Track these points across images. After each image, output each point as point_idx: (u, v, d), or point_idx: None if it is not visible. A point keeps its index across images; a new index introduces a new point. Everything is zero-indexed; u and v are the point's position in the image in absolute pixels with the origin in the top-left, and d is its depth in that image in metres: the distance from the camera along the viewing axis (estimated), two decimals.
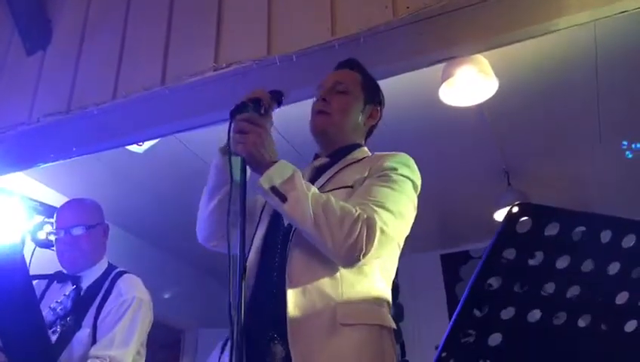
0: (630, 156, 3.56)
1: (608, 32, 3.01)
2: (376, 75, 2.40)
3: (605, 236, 0.94)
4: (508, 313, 0.97)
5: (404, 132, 3.90)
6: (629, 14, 2.07)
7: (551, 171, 4.43)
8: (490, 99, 3.27)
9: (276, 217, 1.63)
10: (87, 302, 2.18)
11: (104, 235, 2.39)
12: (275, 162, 1.47)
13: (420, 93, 3.41)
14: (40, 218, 3.12)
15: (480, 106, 3.46)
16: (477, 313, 0.96)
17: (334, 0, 2.32)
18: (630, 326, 1.01)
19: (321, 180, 1.64)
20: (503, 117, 3.74)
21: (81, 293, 2.22)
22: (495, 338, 0.98)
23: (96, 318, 2.12)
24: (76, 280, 2.26)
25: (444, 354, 0.98)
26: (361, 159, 1.69)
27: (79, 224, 2.27)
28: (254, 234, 1.68)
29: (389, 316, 1.57)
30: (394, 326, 1.57)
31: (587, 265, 0.96)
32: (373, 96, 1.85)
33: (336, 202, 1.46)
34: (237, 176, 1.48)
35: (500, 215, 4.52)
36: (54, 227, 2.39)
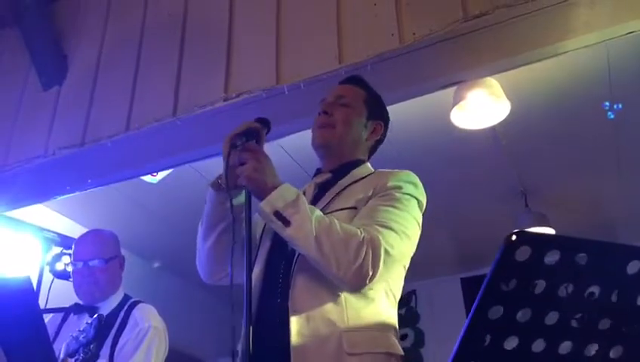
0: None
1: (621, 52, 3.00)
2: (385, 101, 2.41)
3: (609, 263, 0.93)
4: (511, 343, 0.96)
5: (418, 157, 3.89)
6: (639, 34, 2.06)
7: (569, 192, 4.37)
8: (504, 121, 3.26)
9: (278, 242, 1.59)
10: (104, 333, 2.19)
11: (120, 267, 2.41)
12: (277, 186, 1.45)
13: (432, 117, 3.41)
14: (58, 249, 3.15)
15: (494, 129, 3.45)
16: (479, 343, 0.95)
17: (341, 29, 2.35)
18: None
19: (325, 199, 1.62)
20: (517, 138, 3.71)
21: (102, 320, 2.24)
22: None
23: (112, 349, 2.14)
24: (93, 312, 2.28)
25: None
26: (365, 177, 1.66)
27: (97, 257, 2.31)
28: (255, 259, 1.64)
29: (397, 342, 1.53)
30: (402, 352, 1.53)
31: (590, 293, 0.94)
32: (377, 112, 1.82)
33: (340, 225, 1.43)
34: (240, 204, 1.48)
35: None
36: (72, 258, 2.41)
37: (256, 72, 2.46)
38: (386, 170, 1.68)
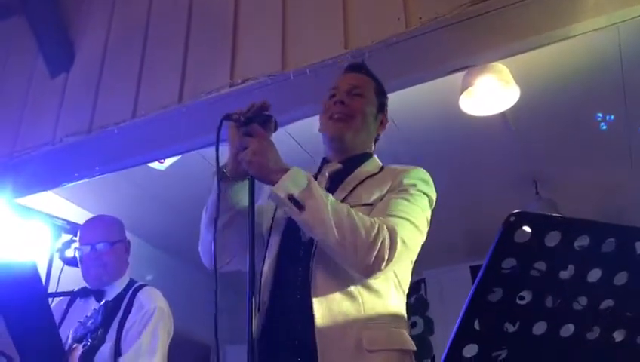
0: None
1: (633, 35, 2.94)
2: (391, 87, 2.39)
3: (610, 245, 0.91)
4: (512, 326, 0.95)
5: (427, 144, 3.87)
6: None
7: (580, 179, 4.32)
8: (513, 107, 3.23)
9: (292, 230, 1.57)
10: (110, 317, 2.21)
11: (126, 251, 2.44)
12: (288, 169, 1.43)
13: (440, 104, 3.38)
14: (67, 236, 3.17)
15: (503, 115, 3.42)
16: (479, 326, 0.94)
17: (347, 14, 2.33)
18: None
19: (339, 194, 1.60)
20: (527, 125, 3.68)
21: (109, 306, 2.26)
22: (500, 352, 0.95)
23: (119, 332, 2.17)
24: (99, 295, 2.30)
25: None
26: (377, 173, 1.67)
27: (103, 240, 2.33)
28: (266, 247, 1.64)
29: (409, 338, 1.54)
30: (414, 348, 1.54)
31: (593, 275, 0.93)
32: (384, 104, 1.80)
33: (356, 212, 1.43)
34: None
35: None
36: (79, 243, 2.43)
37: (261, 57, 2.45)
38: (397, 166, 1.68)
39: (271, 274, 1.59)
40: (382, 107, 1.78)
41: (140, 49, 2.82)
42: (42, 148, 2.87)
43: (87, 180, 2.90)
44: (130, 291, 2.30)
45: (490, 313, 0.92)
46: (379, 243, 1.39)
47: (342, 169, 1.67)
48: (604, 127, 3.40)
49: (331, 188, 1.64)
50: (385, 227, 1.42)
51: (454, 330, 0.92)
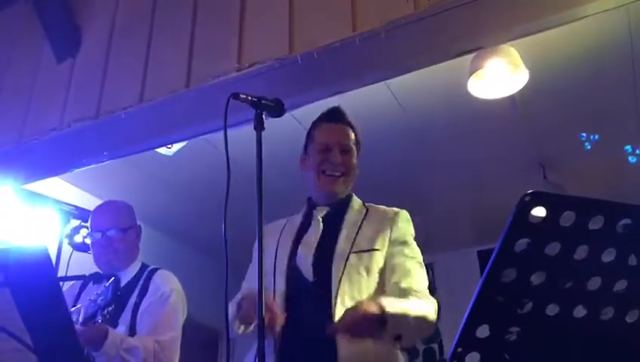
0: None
1: None
2: (400, 69, 2.38)
3: (626, 225, 0.90)
4: (526, 306, 0.94)
5: (435, 128, 3.85)
6: None
7: (588, 163, 4.29)
8: (522, 90, 3.20)
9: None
10: (124, 300, 2.22)
11: (137, 237, 2.44)
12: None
13: (448, 87, 3.35)
14: (76, 222, 3.18)
15: (512, 98, 3.39)
16: (492, 307, 0.93)
17: None
18: None
19: (345, 243, 1.82)
20: (536, 108, 3.65)
21: (120, 286, 2.27)
22: (513, 333, 0.95)
23: (134, 314, 2.18)
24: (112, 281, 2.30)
25: (459, 349, 0.96)
26: (365, 214, 1.92)
27: (114, 226, 2.33)
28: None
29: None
30: None
31: (607, 256, 0.92)
32: (359, 148, 2.00)
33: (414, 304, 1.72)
34: None
35: (536, 210, 4.41)
36: (89, 230, 2.44)
37: (269, 41, 2.43)
38: (380, 206, 1.96)
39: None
40: (358, 150, 2.00)
41: (146, 33, 2.80)
42: (50, 134, 2.86)
43: (94, 166, 2.90)
44: (145, 274, 2.31)
45: (504, 293, 0.92)
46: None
47: (330, 211, 1.91)
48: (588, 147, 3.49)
49: (327, 230, 1.87)
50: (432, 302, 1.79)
51: (467, 311, 0.92)
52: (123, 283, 2.28)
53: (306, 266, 1.79)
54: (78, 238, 3.09)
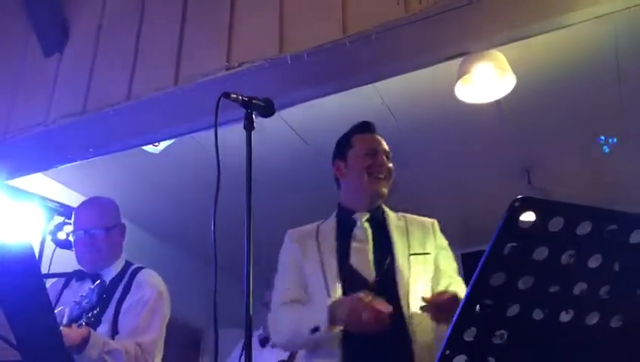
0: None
1: (629, 25, 2.94)
2: (390, 72, 2.39)
3: (612, 231, 0.92)
4: (513, 310, 0.95)
5: (422, 131, 3.87)
6: None
7: (573, 169, 4.34)
8: (508, 95, 3.23)
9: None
10: (107, 298, 2.20)
11: (121, 235, 2.41)
12: None
13: (436, 90, 3.38)
14: (60, 219, 3.15)
15: (498, 103, 3.42)
16: (480, 310, 0.94)
17: None
18: None
19: (402, 246, 1.93)
20: (522, 113, 3.68)
21: (106, 288, 2.25)
22: (499, 336, 0.96)
23: (116, 313, 2.16)
24: (95, 278, 2.28)
25: (447, 352, 0.96)
26: (406, 221, 2.04)
27: (98, 225, 2.30)
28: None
29: None
30: None
31: (594, 261, 0.93)
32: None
33: None
34: None
35: (526, 215, 4.44)
36: (73, 227, 2.41)
37: (258, 40, 2.43)
38: (412, 215, 2.08)
39: None
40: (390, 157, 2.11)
41: (135, 29, 2.78)
42: (35, 129, 2.83)
43: (80, 162, 2.88)
44: (129, 272, 2.28)
45: (492, 297, 0.93)
46: None
47: (371, 217, 1.99)
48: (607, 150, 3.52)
49: (378, 235, 1.96)
50: None
51: (456, 314, 0.93)
52: (106, 281, 2.26)
53: (364, 267, 1.87)
54: (61, 235, 3.06)
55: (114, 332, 2.12)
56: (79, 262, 2.34)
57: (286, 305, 1.91)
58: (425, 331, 1.79)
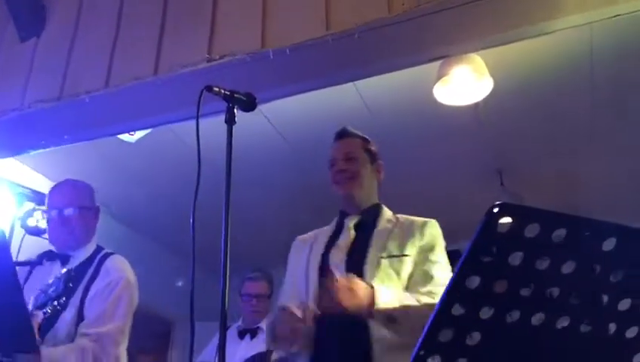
0: None
1: (604, 34, 3.01)
2: (372, 71, 2.41)
3: (586, 239, 0.94)
4: (487, 312, 0.97)
5: (398, 132, 3.90)
6: (625, 17, 2.08)
7: (545, 172, 4.43)
8: (485, 98, 3.27)
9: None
10: (75, 283, 2.18)
11: (95, 218, 2.39)
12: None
13: (415, 91, 3.40)
14: (30, 205, 3.10)
15: (475, 106, 3.46)
16: (456, 312, 0.96)
17: None
18: (610, 328, 1.01)
19: (376, 250, 1.92)
20: (497, 117, 3.73)
21: (72, 274, 2.23)
22: (474, 337, 0.98)
23: (83, 298, 2.14)
24: (65, 259, 2.26)
25: (421, 352, 0.98)
26: (395, 224, 2.01)
27: (72, 205, 2.27)
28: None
29: None
30: None
31: (567, 267, 0.96)
32: (374, 154, 2.12)
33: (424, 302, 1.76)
34: None
35: (503, 220, 4.51)
36: (47, 206, 2.38)
37: (241, 34, 2.42)
38: (411, 216, 2.05)
39: None
40: (373, 157, 2.11)
41: (115, 16, 2.74)
42: (9, 113, 2.78)
43: (53, 149, 2.83)
44: (98, 258, 2.26)
45: (468, 299, 0.95)
46: None
47: (361, 220, 2.01)
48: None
49: (359, 236, 1.98)
50: None
51: (432, 315, 0.95)
52: (76, 263, 2.24)
53: (338, 270, 1.88)
54: (31, 221, 3.02)
55: (79, 318, 2.10)
56: (51, 242, 2.31)
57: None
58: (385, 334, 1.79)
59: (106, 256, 2.29)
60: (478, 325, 0.97)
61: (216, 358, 1.41)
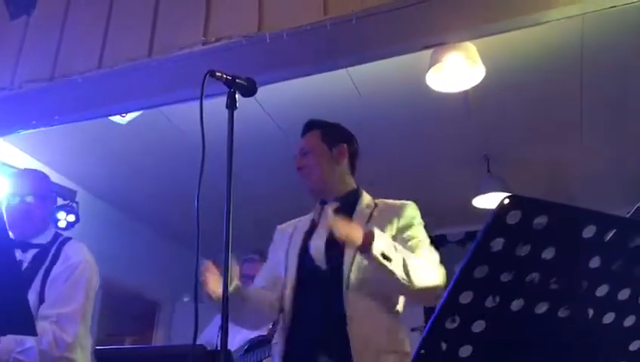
0: None
1: (596, 25, 3.04)
2: (368, 57, 2.41)
3: (589, 231, 0.97)
4: (492, 301, 1.00)
5: (389, 117, 3.92)
6: (617, 10, 2.10)
7: (532, 159, 4.49)
8: (475, 85, 3.29)
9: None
10: (34, 268, 2.22)
11: (53, 205, 2.45)
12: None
13: (408, 78, 3.42)
14: None
15: (465, 92, 3.48)
16: (463, 300, 0.99)
17: None
18: (608, 317, 1.04)
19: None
20: (486, 103, 3.77)
21: (30, 261, 2.26)
22: (479, 325, 1.01)
23: (43, 283, 2.18)
24: (24, 247, 2.28)
25: (429, 338, 1.01)
26: (374, 208, 2.02)
27: (30, 193, 2.31)
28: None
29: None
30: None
31: (571, 258, 0.99)
32: (335, 139, 2.10)
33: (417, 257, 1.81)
34: None
35: (478, 201, 4.57)
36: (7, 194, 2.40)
37: (237, 16, 2.39)
38: (389, 200, 2.05)
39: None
40: (332, 143, 2.08)
41: None
42: None
43: (43, 129, 2.80)
44: (57, 243, 2.30)
45: (475, 288, 0.97)
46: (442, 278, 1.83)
47: (340, 206, 2.00)
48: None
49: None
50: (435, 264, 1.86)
51: (441, 302, 0.97)
52: (35, 250, 2.27)
53: (318, 255, 1.92)
54: None
55: (40, 302, 2.14)
56: (10, 229, 2.32)
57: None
58: (361, 323, 1.81)
59: (65, 240, 2.34)
60: (483, 313, 1.00)
61: (218, 338, 1.42)
